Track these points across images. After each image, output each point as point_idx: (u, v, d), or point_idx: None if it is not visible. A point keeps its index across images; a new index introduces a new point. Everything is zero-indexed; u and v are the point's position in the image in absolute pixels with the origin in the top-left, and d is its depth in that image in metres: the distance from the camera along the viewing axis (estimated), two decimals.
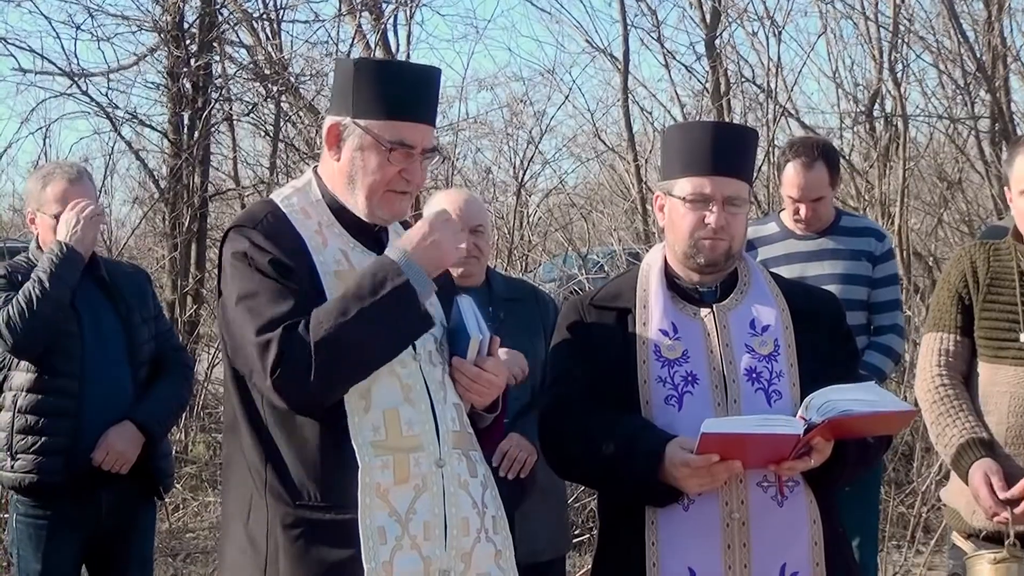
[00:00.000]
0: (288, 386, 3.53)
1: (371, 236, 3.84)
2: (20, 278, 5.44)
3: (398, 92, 3.72)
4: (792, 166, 6.29)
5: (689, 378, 3.98)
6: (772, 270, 5.96)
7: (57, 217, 5.50)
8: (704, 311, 4.08)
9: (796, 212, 6.35)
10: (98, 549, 5.62)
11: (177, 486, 10.24)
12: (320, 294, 3.62)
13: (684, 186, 4.02)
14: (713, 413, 3.93)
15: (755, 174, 12.26)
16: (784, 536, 3.91)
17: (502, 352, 4.07)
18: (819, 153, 6.34)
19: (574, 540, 7.82)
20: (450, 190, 7.69)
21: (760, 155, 13.19)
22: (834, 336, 4.07)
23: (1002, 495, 4.42)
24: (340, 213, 3.80)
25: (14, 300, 5.30)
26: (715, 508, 3.89)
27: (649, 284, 4.12)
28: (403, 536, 3.56)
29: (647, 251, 4.33)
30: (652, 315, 4.06)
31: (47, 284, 5.28)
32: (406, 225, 4.02)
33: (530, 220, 14.57)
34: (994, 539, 4.53)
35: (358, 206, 3.77)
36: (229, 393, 3.79)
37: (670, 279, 4.13)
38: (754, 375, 3.97)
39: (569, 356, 4.17)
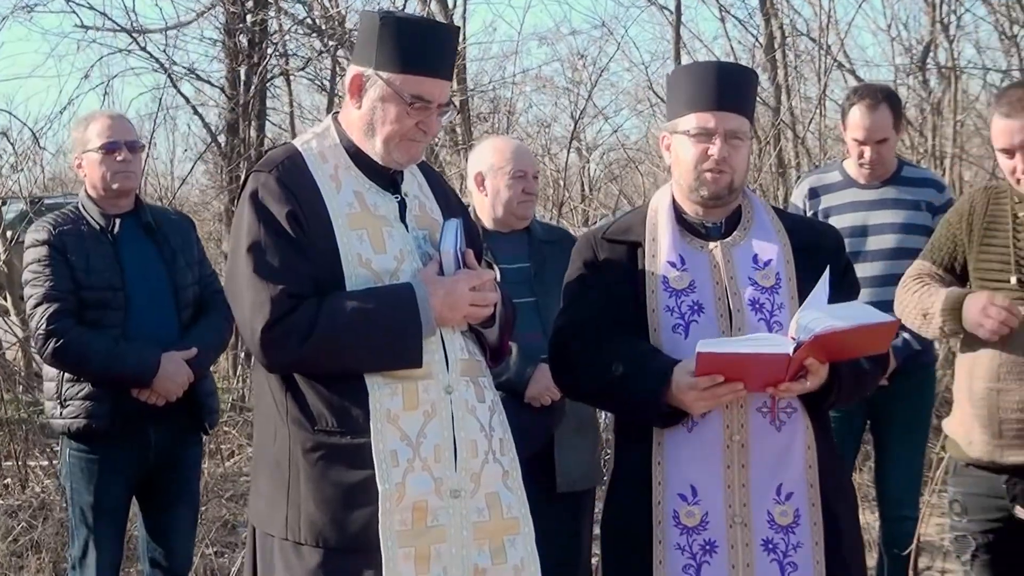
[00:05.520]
0: (276, 346, 3.75)
1: (386, 178, 4.01)
2: (65, 240, 5.59)
3: (419, 48, 3.88)
4: (857, 108, 6.35)
5: (695, 307, 4.12)
6: (835, 218, 6.12)
7: (103, 149, 5.65)
8: (711, 244, 4.22)
9: (860, 156, 6.39)
10: (147, 482, 5.77)
11: (233, 432, 10.51)
12: (330, 238, 3.81)
13: (689, 120, 4.16)
14: None
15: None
16: (781, 458, 4.07)
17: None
18: (883, 96, 6.42)
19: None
20: (499, 136, 7.89)
21: (812, 107, 13.31)
22: (834, 268, 4.15)
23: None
24: (357, 156, 3.98)
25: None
26: (717, 430, 4.06)
27: (658, 219, 4.26)
28: (414, 459, 3.75)
29: None
30: (661, 247, 4.21)
31: None
32: (423, 166, 4.21)
33: (590, 175, 14.70)
34: (990, 468, 4.68)
35: (375, 150, 3.94)
36: None
37: (678, 215, 4.27)
38: (757, 305, 4.12)
39: (582, 285, 4.34)
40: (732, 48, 14.21)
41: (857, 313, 3.94)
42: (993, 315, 4.55)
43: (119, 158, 5.66)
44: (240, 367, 11.79)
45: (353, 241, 3.84)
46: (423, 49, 3.89)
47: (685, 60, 13.62)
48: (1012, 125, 4.60)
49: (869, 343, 4.06)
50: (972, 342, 4.69)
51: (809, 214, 6.41)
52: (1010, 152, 4.64)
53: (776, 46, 13.66)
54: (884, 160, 6.44)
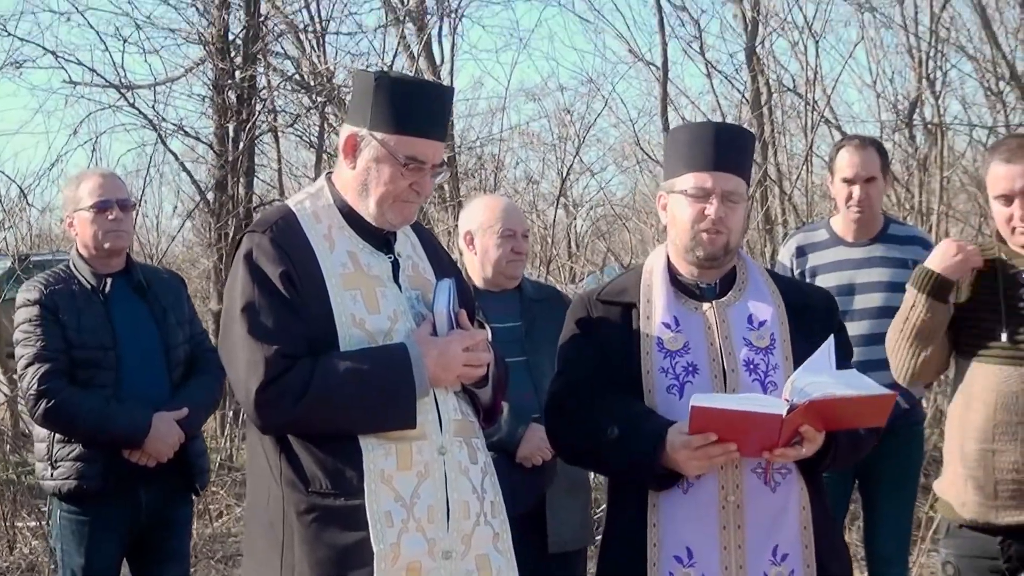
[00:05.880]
0: (271, 406, 3.75)
1: (380, 238, 4.02)
2: (57, 300, 5.58)
3: (414, 109, 3.91)
4: (845, 150, 6.41)
5: (690, 368, 4.13)
6: (822, 276, 6.11)
7: (95, 208, 5.66)
8: (705, 305, 4.22)
9: (848, 198, 6.38)
10: (138, 544, 5.76)
11: (221, 492, 10.48)
12: (324, 298, 3.82)
13: (687, 180, 4.17)
14: None
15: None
16: (776, 519, 4.06)
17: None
18: (869, 141, 6.53)
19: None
20: (489, 195, 7.90)
21: (799, 163, 13.34)
22: (827, 329, 4.17)
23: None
24: (350, 216, 3.99)
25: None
26: (712, 491, 4.05)
27: (653, 280, 4.27)
28: (408, 519, 3.75)
29: None
30: (655, 309, 4.21)
31: None
32: (416, 227, 4.22)
33: (577, 231, 14.70)
34: (984, 530, 4.65)
35: (369, 211, 3.96)
36: None
37: (672, 276, 4.28)
38: (752, 366, 4.12)
39: (576, 347, 4.34)
40: (719, 103, 14.26)
41: (854, 382, 3.92)
42: (961, 246, 4.62)
43: (111, 217, 5.68)
44: (228, 426, 11.76)
45: (347, 301, 3.85)
46: (418, 110, 3.91)
47: (672, 116, 13.69)
48: (1012, 171, 4.59)
49: (865, 415, 4.04)
50: (965, 361, 4.71)
51: (796, 272, 6.42)
52: (1008, 199, 4.63)
53: (763, 102, 13.70)
54: (873, 204, 6.43)
